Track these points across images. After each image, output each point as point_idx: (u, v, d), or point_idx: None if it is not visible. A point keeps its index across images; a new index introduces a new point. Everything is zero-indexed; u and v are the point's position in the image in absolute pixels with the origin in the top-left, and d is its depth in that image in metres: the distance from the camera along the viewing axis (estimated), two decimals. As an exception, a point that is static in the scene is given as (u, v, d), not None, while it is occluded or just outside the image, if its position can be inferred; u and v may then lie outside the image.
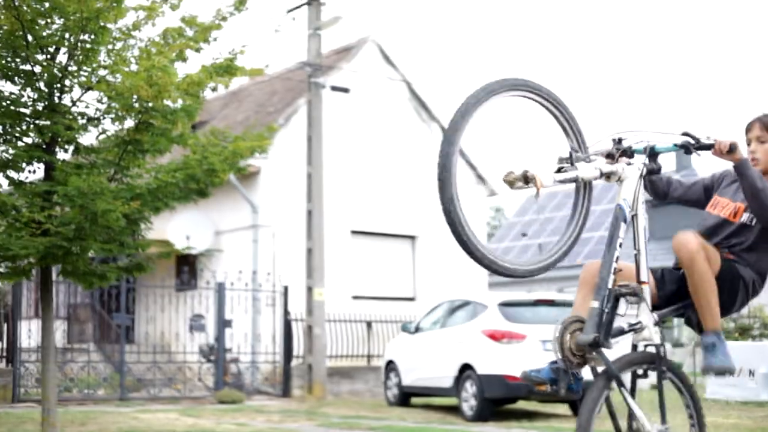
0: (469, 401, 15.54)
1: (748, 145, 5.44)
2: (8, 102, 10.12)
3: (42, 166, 10.61)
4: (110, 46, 10.28)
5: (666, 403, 4.98)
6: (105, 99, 10.46)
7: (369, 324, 23.48)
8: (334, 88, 21.71)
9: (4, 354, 18.30)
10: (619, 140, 5.14)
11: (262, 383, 21.79)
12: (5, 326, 18.31)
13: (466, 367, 15.73)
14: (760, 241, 5.33)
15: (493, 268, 4.60)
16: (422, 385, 17.44)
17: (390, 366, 18.65)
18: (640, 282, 4.98)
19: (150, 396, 19.56)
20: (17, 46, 9.85)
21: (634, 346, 5.03)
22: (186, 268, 25.42)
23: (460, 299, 17.57)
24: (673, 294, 5.33)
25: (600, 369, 4.85)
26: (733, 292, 5.27)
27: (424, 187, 24.37)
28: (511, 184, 4.64)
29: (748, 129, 5.49)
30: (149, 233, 11.31)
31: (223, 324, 20.82)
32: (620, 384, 4.78)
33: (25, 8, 9.64)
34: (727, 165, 5.26)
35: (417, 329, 17.97)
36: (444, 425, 14.45)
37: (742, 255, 5.31)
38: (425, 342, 17.46)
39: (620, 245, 4.93)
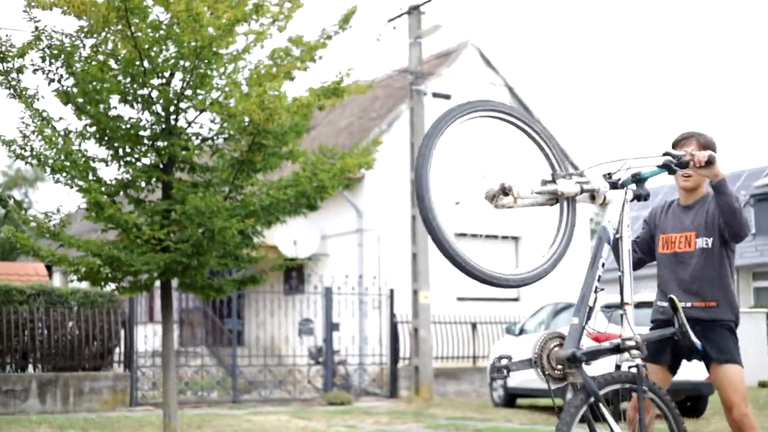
0: (574, 403, 15.62)
1: None
2: (128, 126, 10.66)
3: (160, 185, 11.13)
4: (222, 69, 10.73)
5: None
6: (218, 120, 10.94)
7: (474, 325, 23.57)
8: (435, 95, 21.94)
9: (122, 359, 18.93)
10: (609, 175, 5.14)
11: (369, 384, 22.15)
12: (122, 332, 18.89)
13: (570, 370, 15.80)
14: (725, 266, 5.36)
15: (477, 277, 4.68)
16: (528, 386, 17.53)
17: (495, 368, 18.78)
18: (623, 303, 5.01)
19: (261, 398, 20.05)
20: (135, 73, 10.37)
21: (618, 366, 5.02)
22: (294, 273, 25.91)
23: (564, 302, 17.61)
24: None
25: (579, 384, 4.86)
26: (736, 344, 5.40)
27: (527, 189, 24.37)
28: (492, 199, 4.79)
29: (681, 144, 5.62)
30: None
31: (330, 327, 21.20)
32: (598, 399, 4.78)
33: (141, 36, 10.15)
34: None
35: (521, 331, 18.11)
36: (549, 426, 14.53)
37: (725, 291, 5.34)
38: (530, 344, 17.53)
39: (602, 265, 4.95)
